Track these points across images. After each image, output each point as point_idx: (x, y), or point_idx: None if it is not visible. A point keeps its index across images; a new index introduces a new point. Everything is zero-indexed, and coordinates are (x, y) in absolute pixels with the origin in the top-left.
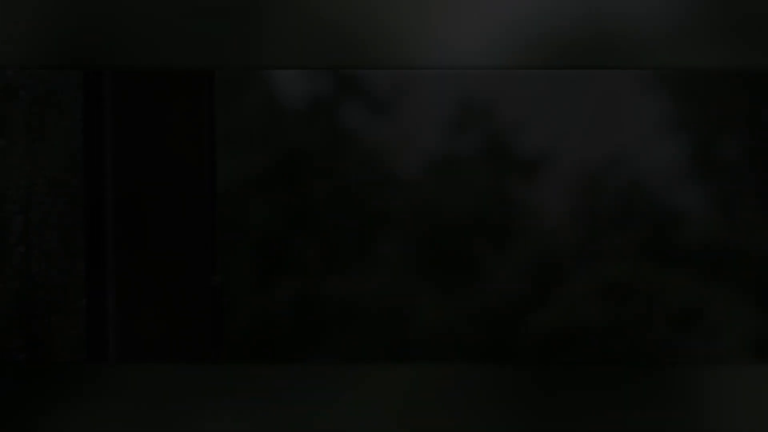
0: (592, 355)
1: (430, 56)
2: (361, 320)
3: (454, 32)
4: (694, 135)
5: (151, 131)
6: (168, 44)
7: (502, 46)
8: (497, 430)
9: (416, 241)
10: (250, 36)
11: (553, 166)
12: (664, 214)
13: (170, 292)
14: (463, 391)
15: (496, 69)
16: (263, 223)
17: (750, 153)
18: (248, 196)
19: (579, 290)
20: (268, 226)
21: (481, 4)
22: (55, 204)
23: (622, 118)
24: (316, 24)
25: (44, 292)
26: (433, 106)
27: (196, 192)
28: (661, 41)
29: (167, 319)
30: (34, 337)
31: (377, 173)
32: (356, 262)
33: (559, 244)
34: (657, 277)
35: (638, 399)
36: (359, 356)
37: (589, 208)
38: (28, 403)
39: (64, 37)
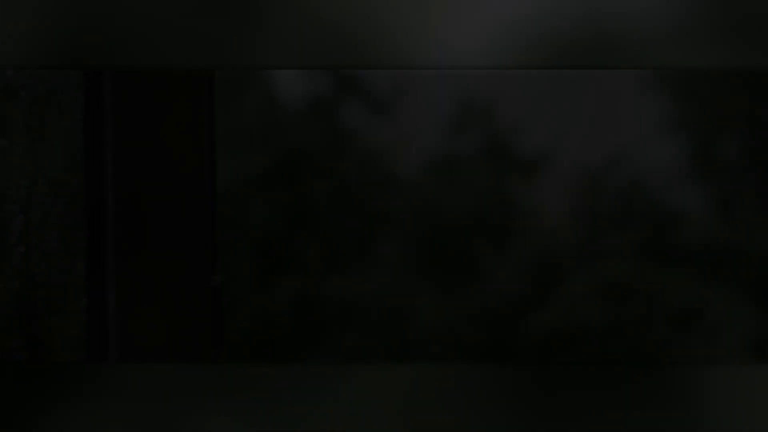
0: (592, 355)
1: (430, 56)
2: (361, 320)
3: (454, 32)
4: (694, 135)
5: (151, 131)
6: (168, 44)
7: (502, 46)
8: (497, 430)
9: (416, 241)
10: (250, 36)
11: (553, 166)
12: (664, 214)
13: (170, 292)
14: (463, 391)
15: (496, 69)
16: (263, 223)
17: (750, 153)
18: (248, 196)
19: (579, 290)
20: (268, 226)
21: (481, 4)
22: (55, 204)
23: (622, 118)
24: (316, 24)
25: (44, 292)
26: (433, 106)
27: (196, 192)
28: (661, 41)
29: (167, 319)
30: (35, 337)
31: (377, 173)
32: (356, 262)
33: (559, 244)
34: (657, 277)
35: (638, 399)
36: (359, 356)
37: (589, 208)
38: (28, 403)
39: (64, 37)
